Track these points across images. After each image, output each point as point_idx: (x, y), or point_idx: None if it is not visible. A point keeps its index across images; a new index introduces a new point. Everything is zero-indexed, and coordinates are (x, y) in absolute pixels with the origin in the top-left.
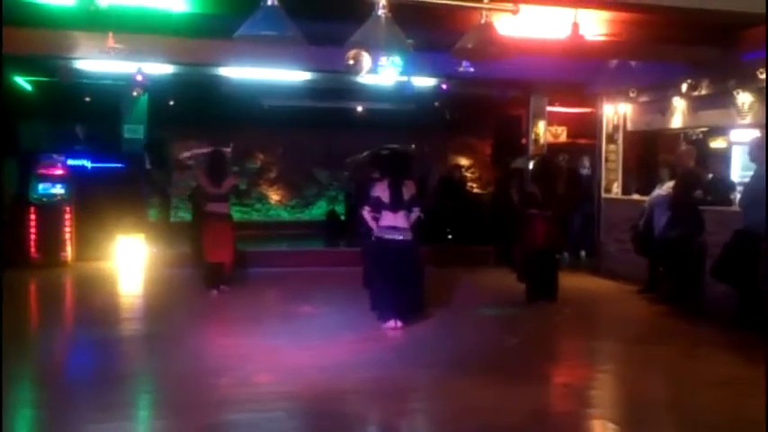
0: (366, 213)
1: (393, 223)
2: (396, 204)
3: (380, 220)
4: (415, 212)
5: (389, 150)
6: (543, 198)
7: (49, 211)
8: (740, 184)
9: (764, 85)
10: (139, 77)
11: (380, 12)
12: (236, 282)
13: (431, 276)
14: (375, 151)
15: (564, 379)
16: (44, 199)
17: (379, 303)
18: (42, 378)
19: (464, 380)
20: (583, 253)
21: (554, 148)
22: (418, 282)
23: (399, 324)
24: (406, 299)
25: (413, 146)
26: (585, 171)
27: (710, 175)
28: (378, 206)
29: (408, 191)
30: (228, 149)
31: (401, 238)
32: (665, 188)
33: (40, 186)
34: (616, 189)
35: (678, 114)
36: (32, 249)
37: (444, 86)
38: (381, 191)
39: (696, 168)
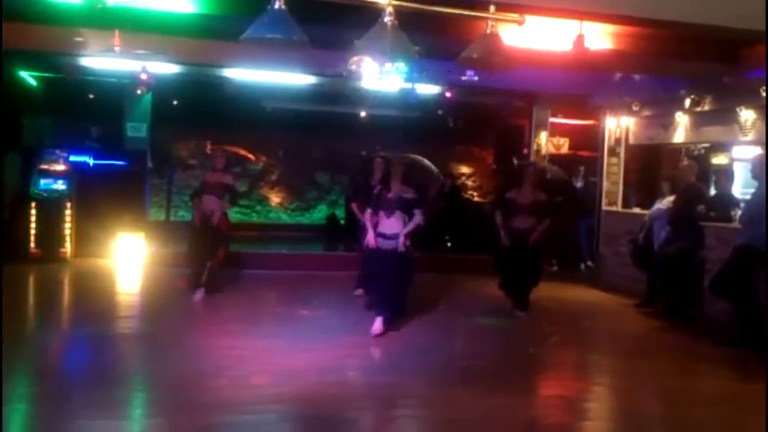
0: (367, 216)
1: (386, 230)
2: (389, 206)
3: (378, 225)
4: (417, 216)
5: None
6: (522, 204)
7: (50, 206)
8: (741, 201)
9: (766, 102)
10: (144, 76)
11: (387, 18)
12: (235, 283)
13: (427, 283)
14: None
15: (559, 391)
16: (45, 194)
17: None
18: (37, 373)
19: (457, 388)
20: (587, 264)
21: (567, 161)
22: (402, 288)
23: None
24: (391, 304)
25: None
26: (579, 184)
27: (714, 191)
28: (377, 206)
29: (405, 194)
30: None
31: (391, 245)
32: (666, 202)
33: (42, 182)
34: (616, 202)
35: (681, 129)
36: (32, 244)
37: (448, 94)
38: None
39: (697, 184)
